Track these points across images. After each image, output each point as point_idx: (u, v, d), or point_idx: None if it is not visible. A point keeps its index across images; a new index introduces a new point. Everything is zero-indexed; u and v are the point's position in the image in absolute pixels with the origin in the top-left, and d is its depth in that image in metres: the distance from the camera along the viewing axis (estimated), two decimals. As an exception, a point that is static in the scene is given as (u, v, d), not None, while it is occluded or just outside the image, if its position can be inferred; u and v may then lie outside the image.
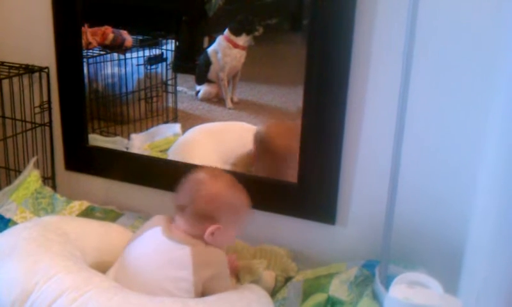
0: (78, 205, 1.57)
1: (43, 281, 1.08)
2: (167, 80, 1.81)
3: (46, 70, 1.64)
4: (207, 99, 1.75)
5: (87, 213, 1.55)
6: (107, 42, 1.74)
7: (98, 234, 1.33)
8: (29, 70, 1.64)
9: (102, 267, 1.24)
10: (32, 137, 1.69)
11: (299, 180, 1.39)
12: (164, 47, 1.79)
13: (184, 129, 1.71)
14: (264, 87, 1.70)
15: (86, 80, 1.67)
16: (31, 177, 1.57)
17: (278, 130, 1.56)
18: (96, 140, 1.71)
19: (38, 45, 1.64)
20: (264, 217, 1.25)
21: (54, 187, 1.70)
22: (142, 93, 1.79)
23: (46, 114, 1.67)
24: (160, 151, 1.70)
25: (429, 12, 1.15)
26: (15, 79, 1.65)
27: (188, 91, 1.79)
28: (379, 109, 1.28)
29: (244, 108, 1.70)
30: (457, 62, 1.19)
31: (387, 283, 1.13)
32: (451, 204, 1.27)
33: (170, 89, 1.80)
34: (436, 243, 1.29)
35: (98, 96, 1.78)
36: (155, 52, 1.78)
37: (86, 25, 1.68)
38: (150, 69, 1.79)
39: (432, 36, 1.19)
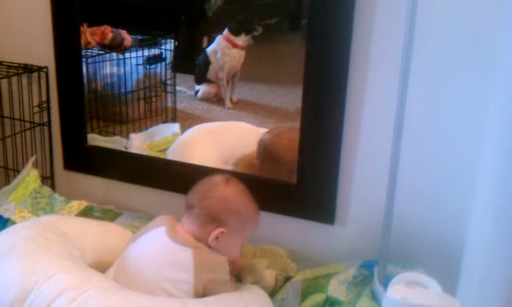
0: (77, 205, 1.57)
1: (42, 281, 1.08)
2: (166, 80, 1.81)
3: (45, 70, 1.64)
4: (206, 99, 1.75)
5: (86, 213, 1.55)
6: (106, 42, 1.74)
7: (97, 234, 1.32)
8: (28, 69, 1.63)
9: (101, 267, 1.24)
10: (31, 137, 1.69)
11: (298, 179, 1.39)
12: (163, 47, 1.79)
13: (183, 129, 1.71)
14: (263, 87, 1.70)
15: (85, 79, 1.67)
16: (29, 177, 1.57)
17: (283, 142, 1.52)
18: (95, 140, 1.71)
19: (37, 45, 1.64)
20: (263, 217, 1.25)
21: (52, 187, 1.70)
22: (141, 92, 1.79)
23: (45, 113, 1.67)
24: (159, 151, 1.70)
25: (428, 12, 1.15)
26: (14, 79, 1.65)
27: (187, 91, 1.79)
28: (378, 109, 1.28)
29: (244, 108, 1.70)
30: (456, 62, 1.19)
31: (386, 283, 1.13)
32: (450, 204, 1.27)
33: (169, 88, 1.80)
34: (435, 243, 1.29)
35: (97, 95, 1.78)
36: (154, 51, 1.78)
37: (85, 25, 1.68)
38: (149, 69, 1.79)
39: (432, 36, 1.19)
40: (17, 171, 1.67)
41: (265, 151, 1.53)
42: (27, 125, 1.68)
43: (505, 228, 0.94)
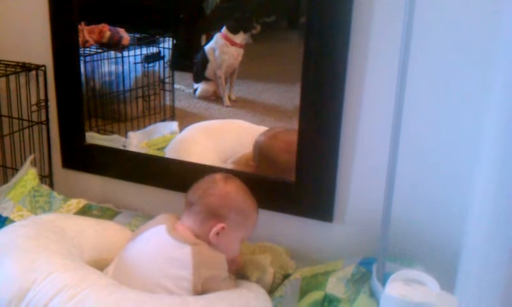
0: (75, 203, 1.57)
1: (41, 279, 1.08)
2: (164, 78, 1.81)
3: (43, 68, 1.64)
4: (205, 97, 1.75)
5: (84, 211, 1.55)
6: (104, 40, 1.74)
7: (96, 232, 1.33)
8: (26, 68, 1.63)
9: (100, 265, 1.24)
10: (30, 135, 1.69)
11: (296, 178, 1.39)
12: (161, 45, 1.78)
13: (181, 127, 1.71)
14: (261, 85, 1.70)
15: (83, 78, 1.67)
16: (28, 175, 1.57)
17: (279, 144, 1.52)
18: (94, 138, 1.70)
19: (35, 43, 1.64)
20: (262, 215, 1.25)
21: (51, 185, 1.70)
22: (139, 91, 1.79)
23: (43, 112, 1.67)
24: (158, 149, 1.70)
25: (427, 10, 1.16)
26: (12, 77, 1.65)
27: (185, 89, 1.79)
28: (376, 107, 1.28)
29: (242, 106, 1.70)
30: (455, 61, 1.19)
31: (384, 280, 1.13)
32: (448, 202, 1.27)
33: (167, 87, 1.80)
34: (433, 240, 1.29)
35: (95, 94, 1.78)
36: (153, 50, 1.78)
37: (82, 23, 1.67)
38: (148, 67, 1.79)
39: (430, 34, 1.19)
40: (15, 170, 1.67)
41: (261, 153, 1.53)
42: (26, 124, 1.68)
43: (502, 226, 0.94)
